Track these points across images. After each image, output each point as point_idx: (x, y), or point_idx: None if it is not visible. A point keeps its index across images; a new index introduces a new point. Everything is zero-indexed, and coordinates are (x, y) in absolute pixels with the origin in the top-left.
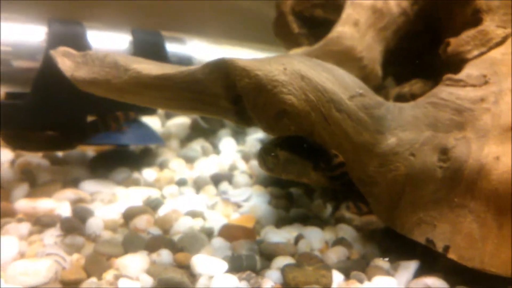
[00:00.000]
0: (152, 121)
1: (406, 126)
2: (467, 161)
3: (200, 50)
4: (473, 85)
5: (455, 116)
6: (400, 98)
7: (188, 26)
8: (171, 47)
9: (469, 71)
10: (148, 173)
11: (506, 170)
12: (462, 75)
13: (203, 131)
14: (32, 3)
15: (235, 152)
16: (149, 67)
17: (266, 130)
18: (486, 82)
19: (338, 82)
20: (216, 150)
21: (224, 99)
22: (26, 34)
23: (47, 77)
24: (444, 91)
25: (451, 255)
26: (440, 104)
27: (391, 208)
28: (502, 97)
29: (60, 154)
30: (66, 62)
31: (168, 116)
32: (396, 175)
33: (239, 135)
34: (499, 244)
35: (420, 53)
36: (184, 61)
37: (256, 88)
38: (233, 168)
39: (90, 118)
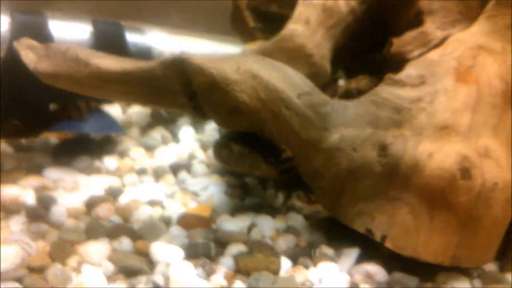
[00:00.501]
0: (113, 109)
1: (349, 123)
2: (403, 157)
3: (160, 40)
4: (412, 85)
5: (394, 115)
6: (348, 93)
7: (148, 16)
8: (131, 37)
9: (409, 71)
10: (109, 162)
11: (438, 167)
12: (402, 75)
13: (163, 120)
14: None
15: (194, 141)
16: (109, 62)
17: (220, 125)
18: (423, 83)
19: (288, 81)
20: (176, 139)
21: (181, 94)
22: None
23: (11, 67)
24: (385, 90)
25: (388, 244)
26: (381, 102)
27: (335, 199)
28: (437, 97)
29: (23, 141)
30: (29, 55)
31: (129, 105)
32: (339, 169)
33: (198, 124)
34: (430, 234)
35: (368, 50)
36: (144, 51)
37: (210, 86)
38: (191, 157)
39: (53, 107)
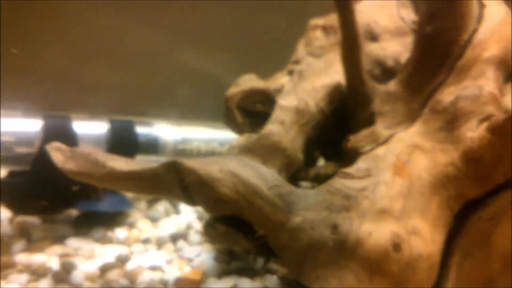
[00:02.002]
0: None
1: (310, 208)
2: (349, 234)
3: (164, 131)
4: (359, 177)
5: (344, 201)
6: (317, 176)
7: (155, 111)
8: (141, 130)
9: (359, 165)
10: (120, 232)
11: (375, 243)
12: (352, 169)
13: None
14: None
15: (192, 212)
16: (121, 164)
17: (208, 211)
18: (369, 175)
19: (260, 177)
20: (177, 210)
21: (176, 188)
22: (26, 126)
23: (42, 160)
24: (338, 182)
25: None
26: (334, 192)
27: (299, 267)
28: (378, 187)
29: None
30: (58, 156)
31: None
32: (301, 244)
33: None
34: None
35: (335, 141)
36: (152, 141)
37: (200, 183)
38: (189, 227)
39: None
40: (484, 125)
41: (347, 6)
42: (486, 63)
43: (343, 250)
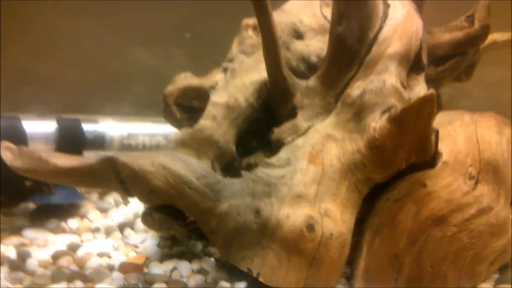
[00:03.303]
0: None
1: (235, 195)
2: (270, 218)
3: (110, 127)
4: (279, 166)
5: (266, 188)
6: (250, 166)
7: (100, 108)
8: (88, 127)
9: (280, 155)
10: (72, 223)
11: (292, 224)
12: (273, 159)
13: None
14: None
15: (139, 203)
16: (63, 161)
17: (142, 202)
18: (288, 164)
19: (190, 169)
20: (126, 202)
21: (114, 181)
22: None
23: None
24: (260, 171)
25: (261, 279)
26: (257, 180)
27: (227, 249)
28: (295, 175)
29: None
30: (7, 154)
31: None
32: (228, 228)
33: None
34: (287, 271)
35: (265, 132)
36: (98, 137)
37: (134, 176)
38: (136, 216)
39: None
40: (385, 115)
41: (264, 9)
42: (389, 59)
43: (265, 232)
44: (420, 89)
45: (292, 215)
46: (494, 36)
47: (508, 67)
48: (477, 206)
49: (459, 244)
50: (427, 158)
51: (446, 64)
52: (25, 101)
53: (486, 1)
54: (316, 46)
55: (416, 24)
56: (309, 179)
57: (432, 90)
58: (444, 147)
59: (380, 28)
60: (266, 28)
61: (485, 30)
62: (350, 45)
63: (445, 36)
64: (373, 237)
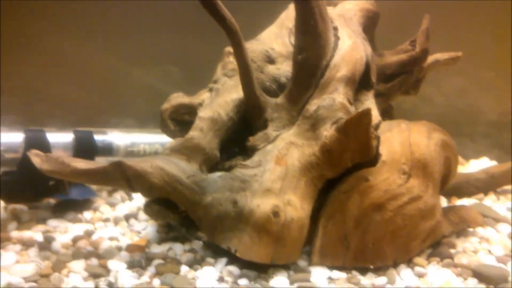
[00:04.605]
0: None
1: (218, 190)
2: (245, 207)
3: (117, 138)
4: (253, 167)
5: (241, 184)
6: (231, 167)
7: (108, 122)
8: (98, 137)
9: (253, 158)
10: (87, 214)
11: (261, 212)
12: (248, 161)
13: None
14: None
15: (141, 199)
16: (81, 164)
17: (144, 196)
18: (259, 165)
19: (181, 170)
20: (130, 198)
21: (122, 180)
22: (11, 137)
23: (25, 163)
24: (238, 171)
25: (238, 254)
26: (235, 178)
27: (211, 232)
28: (265, 173)
29: (33, 203)
30: (36, 159)
31: None
32: (212, 216)
33: None
34: (258, 247)
35: (243, 140)
36: (107, 146)
37: (137, 175)
38: (139, 209)
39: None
40: (334, 126)
41: (239, 44)
42: (339, 81)
43: (241, 219)
44: (369, 103)
45: (262, 205)
46: (436, 56)
47: (467, 77)
48: (409, 195)
49: (395, 226)
50: (369, 158)
51: (394, 81)
52: (43, 116)
53: (426, 28)
54: (285, 69)
55: (361, 52)
56: (276, 176)
57: (368, 107)
58: (383, 149)
59: (332, 56)
60: (240, 57)
61: (424, 53)
62: (309, 71)
63: (393, 58)
64: (327, 222)
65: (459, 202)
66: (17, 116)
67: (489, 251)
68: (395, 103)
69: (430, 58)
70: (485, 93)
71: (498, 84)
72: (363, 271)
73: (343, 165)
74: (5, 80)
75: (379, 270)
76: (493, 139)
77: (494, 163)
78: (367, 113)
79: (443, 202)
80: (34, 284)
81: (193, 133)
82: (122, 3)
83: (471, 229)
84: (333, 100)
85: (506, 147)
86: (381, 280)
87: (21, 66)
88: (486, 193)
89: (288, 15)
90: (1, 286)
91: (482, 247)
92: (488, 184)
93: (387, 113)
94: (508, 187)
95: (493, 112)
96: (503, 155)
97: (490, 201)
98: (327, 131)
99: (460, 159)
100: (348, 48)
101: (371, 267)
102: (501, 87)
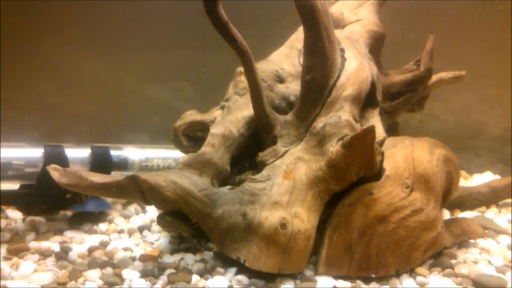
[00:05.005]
0: None
1: (228, 203)
2: (254, 219)
3: (132, 153)
4: (262, 181)
5: (251, 197)
6: (241, 181)
7: (123, 138)
8: (114, 152)
9: (263, 172)
10: (102, 226)
11: (269, 223)
12: (257, 176)
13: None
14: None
15: (154, 211)
16: (98, 178)
17: (158, 208)
18: (268, 179)
19: (193, 184)
20: (144, 211)
21: (136, 193)
22: (31, 152)
23: (44, 176)
24: (247, 185)
25: (247, 264)
26: (245, 191)
27: (222, 243)
28: (273, 187)
29: (51, 216)
30: (55, 173)
31: None
32: (222, 227)
33: None
34: (267, 258)
35: (253, 155)
36: (122, 161)
37: (151, 189)
38: (152, 221)
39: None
40: (340, 142)
41: (250, 64)
42: (345, 100)
43: (250, 230)
44: (374, 120)
45: (270, 217)
46: (441, 75)
47: (472, 94)
48: (411, 208)
49: (398, 237)
50: (373, 173)
51: (400, 99)
52: (60, 132)
53: (430, 48)
54: (294, 88)
55: (366, 72)
56: (284, 190)
57: (373, 125)
58: (387, 164)
59: (338, 76)
60: (250, 77)
61: (428, 72)
62: (316, 90)
63: (398, 77)
64: (332, 233)
65: (461, 214)
66: (35, 132)
67: (489, 261)
68: (402, 120)
69: (435, 77)
70: (490, 109)
71: (503, 100)
72: (367, 280)
73: (348, 179)
74: (25, 97)
75: (382, 279)
76: (497, 153)
77: (497, 177)
78: (371, 130)
79: (446, 214)
80: None
81: (205, 149)
82: (137, 22)
83: (472, 241)
84: (339, 117)
85: (509, 162)
86: None
87: (39, 83)
88: (488, 206)
89: (298, 37)
90: None
91: (482, 258)
92: (490, 198)
93: (392, 130)
94: (509, 200)
95: (497, 127)
96: (506, 169)
97: (492, 213)
98: (333, 147)
99: (464, 173)
100: (354, 68)
101: (375, 276)
102: (505, 103)
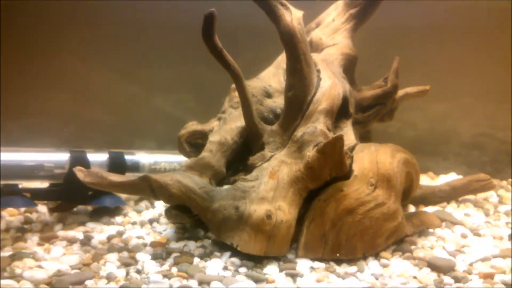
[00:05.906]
0: None
1: (223, 198)
2: (245, 212)
3: (142, 157)
4: (251, 180)
5: (242, 194)
6: (235, 181)
7: (135, 144)
8: (128, 157)
9: (252, 173)
10: (118, 219)
11: (257, 215)
12: (248, 176)
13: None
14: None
15: (163, 206)
16: (116, 178)
17: (165, 202)
18: (257, 179)
19: (194, 182)
20: (153, 206)
21: (147, 190)
22: (59, 157)
23: (70, 177)
24: (240, 183)
25: (239, 249)
26: (237, 189)
27: (218, 231)
28: (261, 185)
29: (75, 209)
30: (80, 174)
31: None
32: (218, 219)
33: None
34: (255, 243)
35: (245, 159)
36: (135, 164)
37: (160, 187)
38: (160, 215)
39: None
40: (315, 148)
41: (241, 84)
42: (320, 113)
43: (241, 220)
44: (347, 129)
45: (258, 210)
46: (407, 89)
47: (449, 103)
48: (375, 202)
49: (363, 226)
50: (343, 173)
51: (371, 111)
52: (75, 138)
53: (396, 67)
54: (280, 102)
55: (338, 90)
56: (269, 188)
57: (341, 134)
58: (356, 166)
59: (315, 93)
60: (242, 94)
61: (394, 88)
62: (296, 105)
63: (369, 92)
64: (310, 223)
65: (425, 209)
66: (55, 138)
67: (443, 247)
68: (381, 127)
69: (401, 91)
70: (463, 118)
71: (476, 109)
72: (339, 262)
73: (322, 179)
74: (44, 105)
75: (351, 261)
76: (463, 157)
77: (460, 177)
78: (340, 138)
79: (412, 209)
80: (78, 270)
81: (204, 154)
82: (146, 40)
83: (431, 230)
84: (315, 128)
85: (473, 164)
86: (353, 269)
87: (57, 93)
88: (448, 202)
89: (283, 58)
90: (52, 273)
91: (438, 244)
92: (450, 195)
93: (365, 137)
94: (467, 196)
95: (467, 134)
96: (469, 170)
97: (451, 208)
98: (310, 152)
99: (432, 174)
100: (328, 87)
101: (345, 258)
102: (479, 111)
